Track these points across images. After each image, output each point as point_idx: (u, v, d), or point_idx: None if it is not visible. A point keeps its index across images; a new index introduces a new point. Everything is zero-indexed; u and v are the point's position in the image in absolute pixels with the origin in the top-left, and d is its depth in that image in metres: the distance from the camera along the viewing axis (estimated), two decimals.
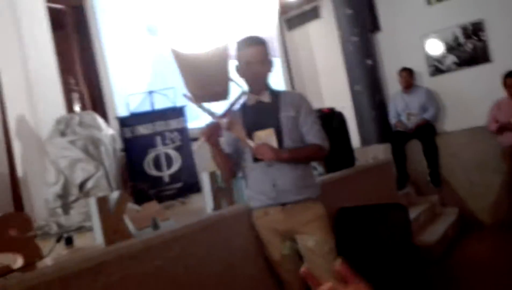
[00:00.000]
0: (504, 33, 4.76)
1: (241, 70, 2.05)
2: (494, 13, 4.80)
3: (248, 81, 2.07)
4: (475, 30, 4.95)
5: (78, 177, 3.13)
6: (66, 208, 3.12)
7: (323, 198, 2.13)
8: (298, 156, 2.01)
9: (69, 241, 1.84)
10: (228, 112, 2.00)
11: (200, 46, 2.05)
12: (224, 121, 1.93)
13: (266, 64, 2.04)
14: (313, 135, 2.05)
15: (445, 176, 4.96)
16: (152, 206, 2.30)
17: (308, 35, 6.24)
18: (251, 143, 1.94)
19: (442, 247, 4.01)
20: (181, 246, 1.85)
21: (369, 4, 5.50)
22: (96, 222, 1.93)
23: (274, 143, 1.99)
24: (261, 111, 2.05)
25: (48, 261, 1.69)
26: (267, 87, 2.09)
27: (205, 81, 2.02)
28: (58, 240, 1.84)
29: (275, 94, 2.09)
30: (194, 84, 2.03)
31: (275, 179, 2.00)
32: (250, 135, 2.02)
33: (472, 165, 4.77)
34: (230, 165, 2.12)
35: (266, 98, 2.07)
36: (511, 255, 3.58)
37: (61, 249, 1.88)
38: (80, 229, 2.96)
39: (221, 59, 2.02)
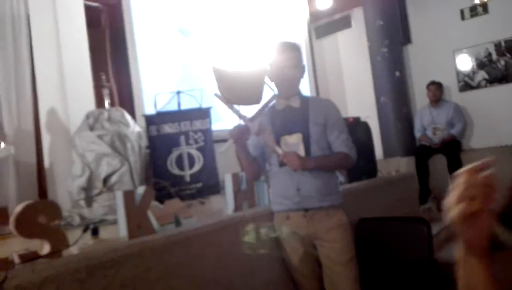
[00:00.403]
0: None
1: (273, 74, 2.07)
2: None
3: (279, 86, 2.08)
4: (508, 48, 4.86)
5: (103, 171, 3.20)
6: (89, 201, 3.18)
7: (344, 207, 2.13)
8: (324, 165, 2.02)
9: (95, 232, 1.88)
10: (258, 116, 2.01)
11: (240, 64, 2.07)
12: (254, 125, 1.95)
13: (298, 69, 2.05)
14: (341, 143, 2.04)
15: None
16: (175, 204, 2.34)
17: (337, 44, 6.24)
18: (279, 150, 1.95)
19: None
20: (202, 244, 1.87)
21: (401, 16, 5.47)
22: (121, 215, 1.97)
23: (301, 148, 2.00)
24: (290, 116, 2.06)
25: (74, 249, 1.73)
26: (297, 93, 2.10)
27: (242, 93, 2.04)
28: (85, 230, 1.88)
29: (305, 100, 2.10)
30: (228, 93, 2.05)
31: (300, 184, 2.01)
32: (277, 139, 2.03)
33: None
34: (255, 167, 2.14)
35: (295, 103, 2.07)
36: None
37: (87, 239, 1.93)
38: (102, 222, 3.02)
39: (260, 78, 2.04)
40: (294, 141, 2.03)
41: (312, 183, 2.00)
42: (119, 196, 1.98)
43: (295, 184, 2.01)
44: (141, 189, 2.08)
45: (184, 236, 1.84)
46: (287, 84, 2.04)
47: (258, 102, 2.11)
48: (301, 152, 2.00)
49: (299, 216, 2.03)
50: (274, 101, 2.12)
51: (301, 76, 2.09)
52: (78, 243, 1.81)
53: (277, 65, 2.04)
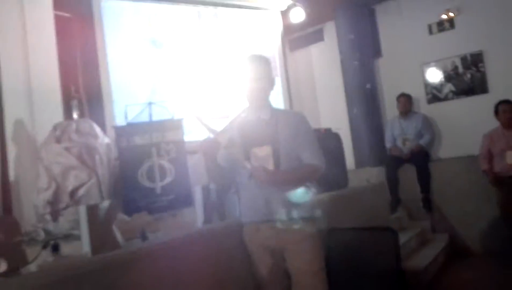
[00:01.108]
0: (502, 65, 4.84)
1: (243, 86, 2.08)
2: (493, 45, 4.89)
3: (249, 97, 2.08)
4: (474, 61, 5.03)
5: (70, 184, 3.13)
6: (55, 215, 3.10)
7: (315, 217, 2.14)
8: (293, 179, 2.03)
9: (55, 248, 1.83)
10: (228, 129, 2.02)
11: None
12: (223, 138, 1.95)
13: (268, 81, 2.06)
14: (310, 155, 2.06)
15: (437, 203, 4.97)
16: (142, 217, 2.30)
17: (310, 57, 6.32)
18: (247, 165, 1.96)
19: (431, 273, 3.99)
20: (167, 259, 1.83)
21: (371, 30, 5.60)
22: (84, 231, 1.93)
23: (270, 161, 2.00)
24: (260, 128, 2.06)
25: (32, 267, 1.68)
26: (267, 105, 2.11)
27: None
28: (44, 247, 1.83)
29: (275, 112, 2.11)
30: None
31: (269, 196, 2.00)
32: (247, 151, 2.04)
33: (464, 193, 4.78)
34: (226, 179, 2.14)
35: (265, 115, 2.08)
36: (499, 284, 3.56)
37: (47, 256, 1.87)
38: (68, 237, 2.94)
39: None
40: (263, 154, 2.02)
41: (281, 195, 2.00)
42: (82, 210, 1.94)
43: (264, 196, 2.01)
44: (105, 203, 2.04)
45: (149, 251, 1.81)
46: (256, 95, 2.05)
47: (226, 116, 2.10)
48: (271, 164, 2.00)
49: (269, 228, 2.02)
50: (245, 113, 2.12)
51: (271, 88, 2.10)
52: (38, 260, 1.76)
53: (246, 77, 2.05)
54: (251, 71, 2.04)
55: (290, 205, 2.01)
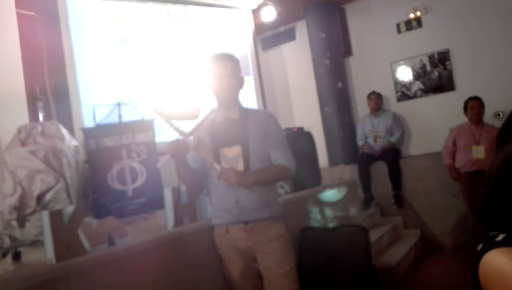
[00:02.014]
0: (468, 63, 4.98)
1: (211, 85, 2.05)
2: (459, 44, 5.02)
3: (217, 96, 2.06)
4: (441, 59, 5.15)
5: (37, 189, 3.02)
6: (21, 221, 3.00)
7: (288, 216, 2.14)
8: (263, 179, 2.01)
9: (16, 256, 1.76)
10: (196, 130, 1.98)
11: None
12: (192, 140, 1.92)
13: (236, 80, 2.04)
14: (280, 155, 2.05)
15: (408, 199, 5.07)
16: (110, 222, 2.24)
17: (282, 56, 6.35)
18: (217, 166, 1.94)
19: (403, 269, 4.07)
20: (135, 264, 1.80)
21: (342, 29, 5.66)
22: (48, 237, 1.87)
23: (240, 161, 1.99)
24: (229, 127, 2.05)
25: None
26: (236, 104, 2.08)
27: (179, 109, 2.01)
28: (4, 255, 1.76)
29: (245, 112, 2.09)
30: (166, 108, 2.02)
31: (238, 197, 2.00)
32: (217, 151, 2.02)
33: (434, 188, 4.90)
34: (196, 180, 2.10)
35: (235, 114, 2.06)
36: (470, 278, 3.66)
37: (7, 264, 1.80)
38: (35, 243, 2.85)
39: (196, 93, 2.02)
40: (233, 154, 2.01)
41: (251, 195, 1.99)
42: (45, 216, 1.88)
43: (234, 196, 2.00)
44: (70, 208, 1.98)
45: (116, 257, 1.77)
46: (224, 93, 2.02)
47: (195, 117, 2.08)
48: (240, 164, 1.99)
49: (239, 229, 2.01)
50: (214, 114, 2.10)
51: (240, 86, 2.08)
52: None
53: (213, 75, 2.03)
54: (218, 69, 2.02)
55: (260, 205, 2.01)
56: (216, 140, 2.05)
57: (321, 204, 3.47)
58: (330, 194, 1.99)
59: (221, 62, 2.03)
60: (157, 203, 3.72)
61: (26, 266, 1.72)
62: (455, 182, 4.52)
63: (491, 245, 0.73)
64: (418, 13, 5.18)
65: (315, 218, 3.19)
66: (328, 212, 3.48)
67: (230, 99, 2.05)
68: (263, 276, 2.04)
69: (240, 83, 2.07)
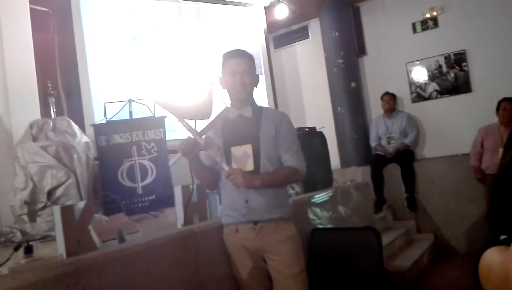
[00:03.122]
0: (485, 64, 4.88)
1: (225, 81, 2.02)
2: (476, 44, 4.92)
3: (231, 94, 2.03)
4: (457, 60, 5.06)
5: (47, 184, 3.03)
6: (32, 215, 3.00)
7: (299, 217, 2.10)
8: (270, 182, 1.96)
9: (28, 250, 1.75)
10: (208, 129, 1.95)
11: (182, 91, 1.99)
12: (203, 139, 1.89)
13: (250, 77, 2.00)
14: (290, 157, 2.00)
15: (422, 202, 4.98)
16: (119, 218, 2.23)
17: (295, 54, 6.30)
18: (225, 166, 1.90)
19: (415, 273, 3.99)
20: (144, 261, 1.78)
21: (356, 28, 5.59)
22: (59, 232, 1.88)
23: (250, 160, 1.96)
24: (241, 126, 2.02)
25: (3, 269, 1.61)
26: (250, 102, 2.05)
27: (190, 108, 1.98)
28: (16, 249, 1.76)
29: (258, 110, 2.06)
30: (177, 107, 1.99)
31: (248, 196, 1.96)
32: (227, 149, 2.00)
33: (449, 192, 4.81)
34: (211, 178, 2.08)
35: (247, 113, 2.02)
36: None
37: (19, 258, 1.80)
38: (46, 238, 2.86)
39: (208, 92, 1.97)
40: (243, 153, 1.98)
41: (260, 195, 1.96)
42: (56, 211, 1.88)
43: (243, 196, 1.96)
44: (81, 204, 1.98)
45: (126, 253, 1.75)
46: (237, 91, 1.99)
47: (207, 116, 2.04)
48: (250, 164, 1.96)
49: (248, 229, 1.98)
50: (227, 112, 2.07)
51: (254, 84, 2.04)
52: (10, 262, 1.70)
53: (227, 72, 2.00)
54: (231, 66, 1.98)
55: (269, 205, 1.97)
56: (227, 138, 2.02)
57: (333, 205, 3.42)
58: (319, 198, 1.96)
59: (235, 58, 1.99)
60: (167, 201, 3.71)
61: (37, 260, 1.70)
62: (470, 185, 4.43)
63: (492, 244, 0.75)
64: (435, 13, 5.09)
65: (326, 219, 3.15)
66: (340, 214, 3.42)
67: (243, 97, 2.01)
68: (272, 277, 2.01)
69: (254, 81, 2.03)
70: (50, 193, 3.08)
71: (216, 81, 2.03)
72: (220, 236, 2.11)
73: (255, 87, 2.05)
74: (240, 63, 1.98)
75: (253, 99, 2.07)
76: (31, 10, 3.73)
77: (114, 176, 3.55)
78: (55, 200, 3.07)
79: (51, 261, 1.68)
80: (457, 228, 4.75)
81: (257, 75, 2.07)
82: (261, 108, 2.10)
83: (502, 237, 0.76)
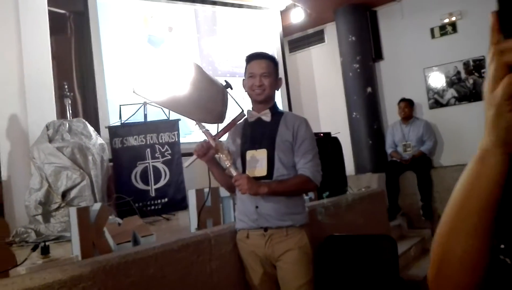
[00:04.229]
0: None
1: (245, 84, 2.00)
2: None
3: (250, 96, 2.00)
4: (476, 67, 4.97)
5: (62, 185, 3.04)
6: (47, 216, 3.01)
7: (312, 224, 2.06)
8: (279, 190, 1.90)
9: (45, 251, 1.75)
10: (223, 133, 1.94)
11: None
12: (216, 142, 1.87)
13: (270, 79, 1.96)
14: (304, 165, 1.93)
15: (438, 211, 4.89)
16: (134, 221, 2.22)
17: (310, 58, 6.27)
18: (233, 172, 1.88)
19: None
20: (159, 264, 1.78)
21: (372, 32, 5.54)
22: (74, 233, 1.89)
23: (264, 164, 1.93)
24: (259, 130, 1.99)
25: (21, 269, 1.61)
26: (270, 105, 2.01)
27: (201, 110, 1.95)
28: (34, 249, 1.76)
29: (278, 115, 2.01)
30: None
31: (258, 202, 1.92)
32: (243, 153, 1.98)
33: None
34: (230, 181, 2.01)
35: (266, 117, 1.99)
36: None
37: (36, 259, 1.80)
38: (59, 238, 2.87)
39: (219, 95, 1.94)
40: (258, 157, 1.96)
41: (271, 201, 1.91)
42: (72, 212, 1.88)
43: (254, 201, 1.93)
44: (97, 206, 1.98)
45: (141, 256, 1.74)
46: (256, 93, 1.96)
47: (219, 120, 2.00)
48: (264, 169, 1.93)
49: (258, 235, 1.95)
50: (244, 117, 2.04)
51: (274, 87, 2.00)
52: (27, 263, 1.70)
53: (247, 74, 1.98)
54: (252, 68, 1.96)
55: (280, 212, 1.92)
56: (245, 141, 2.00)
57: (347, 212, 3.37)
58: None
59: (255, 60, 1.98)
60: (179, 204, 3.71)
61: (54, 261, 1.71)
62: None
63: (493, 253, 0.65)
64: (454, 18, 5.02)
65: (340, 226, 3.10)
66: (354, 221, 3.37)
67: (262, 100, 1.98)
68: (280, 285, 1.97)
69: (274, 83, 1.99)
70: (64, 194, 3.09)
71: (233, 85, 2.02)
72: (234, 241, 2.09)
73: (276, 90, 2.02)
74: (259, 64, 1.95)
75: (274, 102, 2.04)
76: (49, 12, 3.77)
77: (127, 178, 3.56)
78: (70, 201, 3.08)
79: (67, 263, 1.68)
80: None
81: (280, 78, 2.04)
82: (282, 113, 2.05)
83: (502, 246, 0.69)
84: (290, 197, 1.96)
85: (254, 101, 2.01)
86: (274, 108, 2.02)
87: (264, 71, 1.94)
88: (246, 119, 2.05)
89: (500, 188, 0.48)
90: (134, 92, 1.93)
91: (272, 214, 1.91)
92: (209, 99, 1.90)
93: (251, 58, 1.99)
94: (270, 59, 2.01)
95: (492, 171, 0.51)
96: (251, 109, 2.03)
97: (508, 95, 0.47)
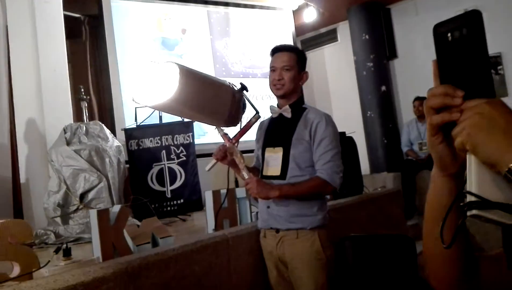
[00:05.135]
0: None
1: (269, 78, 1.91)
2: None
3: (272, 91, 1.90)
4: (493, 63, 4.90)
5: (80, 187, 3.08)
6: (65, 218, 3.06)
7: (328, 224, 2.01)
8: (291, 194, 1.80)
9: (67, 253, 1.77)
10: (240, 136, 1.89)
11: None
12: (230, 145, 1.85)
13: (292, 73, 1.84)
14: (321, 166, 1.80)
15: None
16: (152, 222, 2.22)
17: (323, 57, 6.25)
18: (244, 175, 1.82)
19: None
20: (179, 265, 1.79)
21: (386, 30, 5.50)
22: (95, 235, 1.89)
23: (279, 164, 1.87)
24: (279, 127, 1.92)
25: (44, 271, 1.64)
26: (291, 101, 1.89)
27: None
28: (56, 251, 1.78)
29: (299, 111, 1.90)
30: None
31: (269, 202, 1.87)
32: (263, 150, 1.94)
33: None
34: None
35: (287, 113, 1.89)
36: None
37: (58, 260, 1.82)
38: (78, 240, 2.91)
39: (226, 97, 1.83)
40: (275, 155, 1.89)
41: (282, 202, 1.83)
42: (93, 215, 1.90)
43: (266, 201, 1.87)
44: (116, 208, 1.99)
45: (161, 257, 1.75)
46: (276, 88, 1.86)
47: (233, 124, 1.93)
48: (278, 168, 1.86)
49: (271, 236, 1.91)
50: (257, 120, 1.99)
51: (296, 81, 1.86)
52: (49, 265, 1.72)
53: (270, 67, 1.89)
54: (273, 61, 1.88)
55: (290, 214, 1.84)
56: (266, 138, 1.95)
57: (364, 212, 3.35)
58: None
59: (276, 53, 1.88)
60: (195, 205, 3.73)
61: (75, 263, 1.73)
62: None
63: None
64: None
65: (356, 227, 3.08)
66: (370, 221, 3.35)
67: (282, 94, 1.87)
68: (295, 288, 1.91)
69: (297, 77, 1.86)
70: (82, 196, 3.12)
71: (247, 86, 1.96)
72: (251, 242, 2.08)
73: (298, 84, 1.89)
74: (280, 58, 1.86)
75: (298, 98, 1.92)
76: (65, 16, 3.82)
77: (144, 179, 3.59)
78: (87, 203, 3.11)
79: (89, 265, 1.70)
80: (492, 236, 4.58)
81: (305, 72, 1.92)
82: (304, 109, 1.92)
83: None
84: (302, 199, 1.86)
85: (276, 96, 1.92)
86: (295, 104, 1.90)
87: (285, 64, 1.84)
88: (271, 116, 1.98)
89: (448, 200, 0.57)
90: (133, 100, 1.90)
91: (282, 215, 1.84)
92: (208, 101, 1.80)
93: (273, 51, 1.90)
94: (293, 50, 1.90)
95: (439, 190, 0.64)
96: (274, 105, 1.95)
97: (433, 133, 0.58)
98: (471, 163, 0.53)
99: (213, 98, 1.82)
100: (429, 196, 0.67)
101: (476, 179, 0.53)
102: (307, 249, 1.83)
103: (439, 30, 0.58)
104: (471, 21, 0.57)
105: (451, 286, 0.69)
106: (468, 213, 0.52)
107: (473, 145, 0.52)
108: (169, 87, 1.62)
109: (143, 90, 1.77)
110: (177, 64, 1.66)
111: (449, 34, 0.57)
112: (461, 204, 0.53)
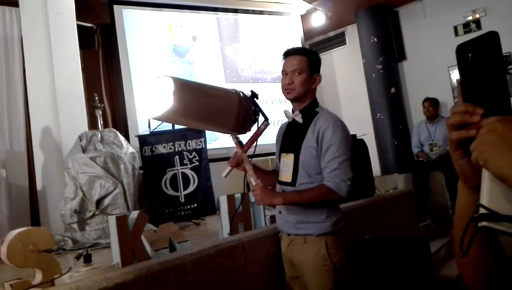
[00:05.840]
0: None
1: (281, 82, 1.88)
2: None
3: (284, 95, 1.87)
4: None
5: (96, 193, 3.13)
6: (82, 224, 3.11)
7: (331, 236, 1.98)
8: (296, 201, 1.80)
9: (88, 259, 1.82)
10: (251, 143, 1.89)
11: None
12: (240, 153, 1.86)
13: (303, 76, 1.80)
14: (328, 173, 1.76)
15: None
16: (169, 227, 2.26)
17: (332, 61, 6.27)
18: (253, 181, 1.83)
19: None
20: (196, 270, 1.80)
21: (394, 32, 5.51)
22: (114, 241, 1.92)
23: (290, 170, 1.86)
24: (292, 132, 1.92)
25: (66, 278, 1.67)
26: (302, 105, 1.86)
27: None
28: (78, 258, 1.82)
29: (311, 116, 1.85)
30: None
31: (281, 207, 1.89)
32: (279, 155, 1.96)
33: None
34: (273, 180, 2.00)
35: (299, 118, 1.86)
36: None
37: (79, 267, 1.86)
38: (95, 245, 2.95)
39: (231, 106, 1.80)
40: (288, 162, 1.89)
41: (291, 208, 1.84)
42: (112, 221, 1.93)
43: (278, 206, 1.90)
44: (134, 214, 2.02)
45: (179, 262, 1.78)
46: (287, 92, 1.84)
47: (243, 131, 1.91)
48: (289, 175, 1.86)
49: (285, 237, 1.94)
50: (266, 127, 1.94)
51: (307, 84, 1.82)
52: (71, 270, 1.75)
53: (282, 72, 1.86)
54: (284, 65, 1.86)
55: (297, 220, 1.85)
56: (282, 144, 1.96)
57: (376, 214, 3.35)
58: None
59: (287, 57, 1.85)
60: (208, 209, 3.77)
61: (96, 269, 1.76)
62: None
63: None
64: (477, 15, 4.94)
65: (369, 229, 3.09)
66: (383, 223, 3.36)
67: (292, 99, 1.85)
68: None
69: (309, 81, 1.82)
70: (98, 202, 3.18)
71: (257, 91, 1.90)
72: (267, 246, 2.10)
73: (310, 88, 1.84)
74: (291, 61, 1.82)
75: (311, 102, 1.87)
76: (77, 26, 3.90)
77: (157, 185, 3.64)
78: (103, 209, 3.17)
79: (110, 271, 1.73)
80: (504, 237, 4.55)
81: (318, 74, 1.86)
82: (316, 113, 1.86)
83: None
84: (311, 206, 1.83)
85: (290, 101, 1.89)
86: (307, 108, 1.86)
87: (295, 68, 1.80)
88: (287, 120, 1.98)
89: (469, 211, 0.60)
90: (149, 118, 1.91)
91: (290, 221, 1.86)
92: (209, 112, 1.77)
93: (285, 55, 1.87)
94: (304, 53, 1.85)
95: (463, 201, 0.69)
96: (289, 109, 1.94)
97: (454, 149, 0.63)
98: (485, 177, 0.57)
99: (215, 108, 1.79)
100: (456, 205, 0.71)
101: (487, 193, 0.56)
102: (313, 255, 1.81)
103: (461, 50, 0.61)
104: (489, 42, 0.60)
105: (483, 286, 0.72)
106: (479, 225, 0.56)
107: (484, 161, 0.55)
108: (167, 100, 1.63)
109: (149, 102, 1.79)
110: (173, 77, 1.64)
111: (469, 54, 0.60)
112: (474, 215, 0.56)
